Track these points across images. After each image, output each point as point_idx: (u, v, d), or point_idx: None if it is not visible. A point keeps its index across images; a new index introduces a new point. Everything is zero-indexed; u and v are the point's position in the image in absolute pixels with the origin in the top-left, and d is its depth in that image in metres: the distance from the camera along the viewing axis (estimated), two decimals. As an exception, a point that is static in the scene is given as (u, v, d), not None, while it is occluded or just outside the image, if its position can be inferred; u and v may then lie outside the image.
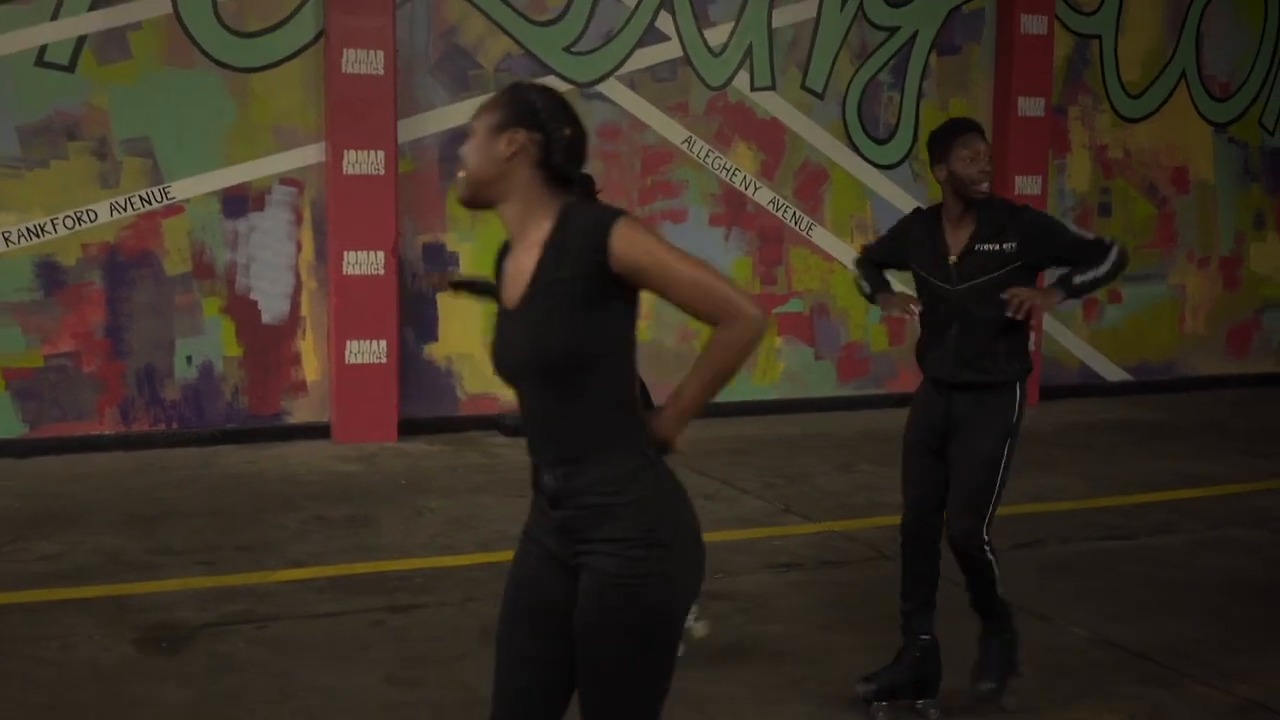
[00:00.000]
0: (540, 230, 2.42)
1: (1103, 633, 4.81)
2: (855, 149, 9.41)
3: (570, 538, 2.39)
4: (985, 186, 3.83)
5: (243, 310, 7.88)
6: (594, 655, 2.37)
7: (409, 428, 8.10)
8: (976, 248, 3.86)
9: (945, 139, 3.89)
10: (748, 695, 4.15)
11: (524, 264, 2.41)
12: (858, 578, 5.46)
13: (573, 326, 2.34)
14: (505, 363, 2.45)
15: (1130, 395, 10.28)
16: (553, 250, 2.37)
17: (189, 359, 7.77)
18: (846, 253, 9.42)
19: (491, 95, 2.55)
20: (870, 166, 9.47)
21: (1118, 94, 10.31)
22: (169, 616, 4.76)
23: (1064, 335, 10.26)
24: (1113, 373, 10.43)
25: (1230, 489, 7.22)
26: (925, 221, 4.02)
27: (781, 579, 5.40)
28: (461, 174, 2.49)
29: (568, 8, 8.50)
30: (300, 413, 8.02)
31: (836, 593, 5.24)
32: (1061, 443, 8.46)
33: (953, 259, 3.89)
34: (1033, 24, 9.62)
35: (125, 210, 7.59)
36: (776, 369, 9.28)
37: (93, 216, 7.52)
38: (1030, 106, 9.68)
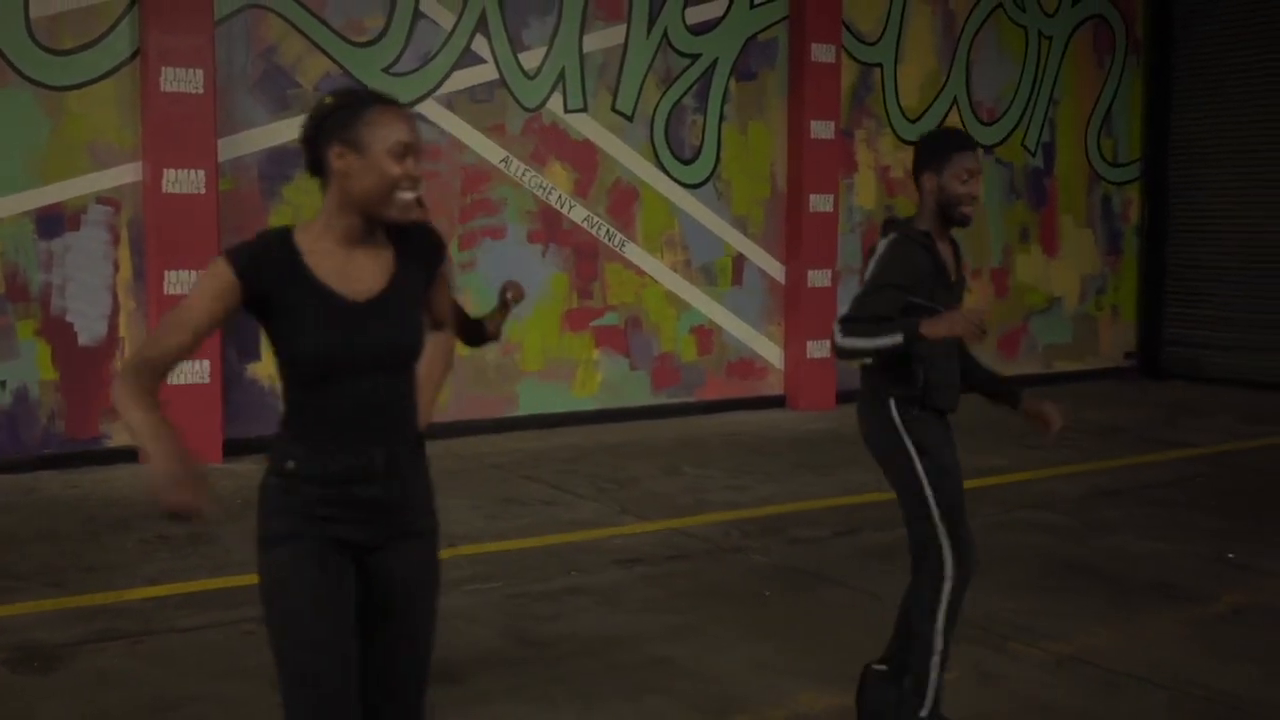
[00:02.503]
0: (380, 234, 2.58)
1: (926, 605, 5.30)
2: (663, 168, 9.86)
3: (393, 514, 2.58)
4: (971, 211, 3.59)
5: (59, 332, 7.70)
6: (421, 614, 2.66)
7: (234, 448, 8.06)
8: (960, 268, 3.75)
9: (944, 149, 3.61)
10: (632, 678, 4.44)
11: (368, 264, 2.55)
12: (701, 568, 5.83)
13: (420, 321, 2.63)
14: (365, 350, 2.50)
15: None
16: (404, 255, 2.60)
17: (3, 384, 7.54)
18: (657, 268, 9.89)
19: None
20: (677, 185, 9.94)
21: (898, 118, 11.12)
22: (29, 638, 4.72)
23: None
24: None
25: (1015, 477, 7.95)
26: (923, 247, 3.62)
27: (632, 573, 5.72)
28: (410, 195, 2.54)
29: (386, 29, 8.65)
30: (120, 436, 7.87)
31: (686, 583, 5.59)
32: (860, 442, 9.10)
33: (953, 280, 3.71)
34: (822, 52, 10.30)
35: (-70, 230, 7.33)
36: (595, 380, 9.63)
37: (-105, 237, 7.24)
38: (822, 130, 10.35)
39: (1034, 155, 12.09)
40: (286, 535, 2.53)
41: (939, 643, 3.68)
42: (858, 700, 3.86)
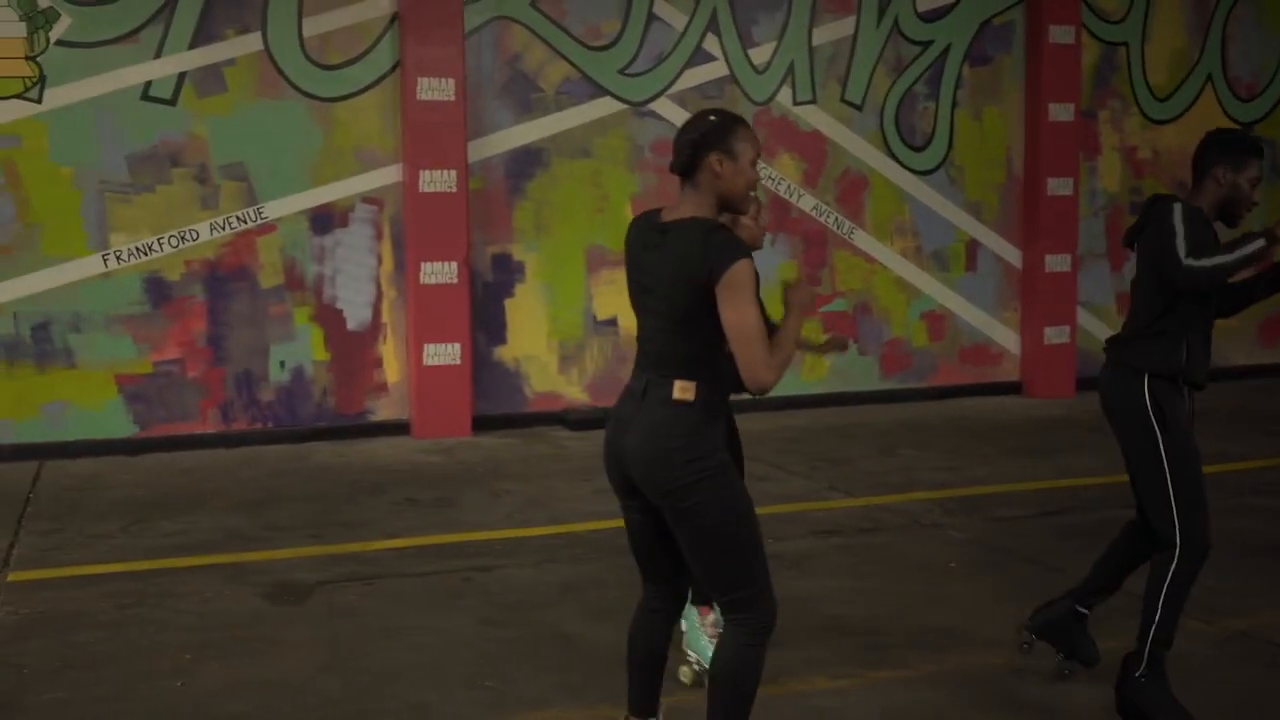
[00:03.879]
0: None
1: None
2: (893, 156, 9.99)
3: None
4: (1247, 214, 3.87)
5: (330, 318, 8.61)
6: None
7: (482, 424, 8.78)
8: None
9: (1244, 151, 3.86)
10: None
11: None
12: (894, 541, 6.04)
13: None
14: None
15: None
16: None
17: (282, 364, 8.51)
18: (886, 254, 10.03)
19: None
20: (908, 173, 10.05)
21: (1145, 97, 10.81)
22: (288, 577, 5.45)
23: (1100, 329, 10.73)
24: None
25: (1250, 464, 7.72)
26: (1209, 224, 3.84)
27: (826, 543, 6.00)
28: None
29: (621, 33, 9.18)
30: (383, 411, 8.73)
31: (876, 553, 5.82)
32: (1092, 427, 8.94)
33: None
34: (1060, 34, 10.16)
35: (224, 229, 8.35)
36: (823, 365, 9.87)
37: (194, 236, 8.29)
38: (1060, 112, 10.21)
39: (1300, 132, 11.46)
40: (728, 464, 3.12)
41: (1159, 615, 3.82)
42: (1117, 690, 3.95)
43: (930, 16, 10.01)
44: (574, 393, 9.22)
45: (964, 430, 8.92)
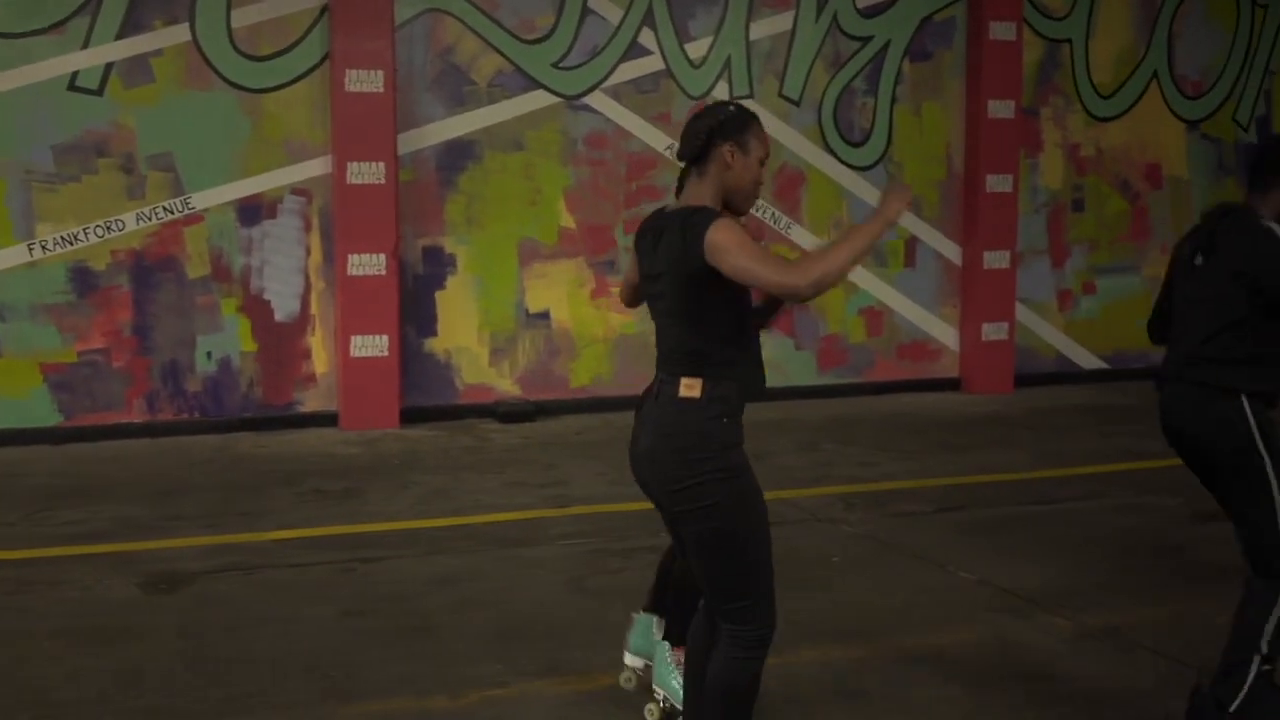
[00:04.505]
0: None
1: (988, 576, 5.38)
2: (831, 152, 10.00)
3: None
4: None
5: (257, 309, 8.63)
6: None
7: (412, 415, 8.81)
8: None
9: None
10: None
11: None
12: (785, 535, 6.04)
13: None
14: None
15: (1105, 382, 10.73)
16: None
17: (209, 354, 8.53)
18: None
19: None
20: (846, 168, 10.06)
21: (1089, 94, 10.81)
22: (171, 567, 5.48)
23: (1040, 326, 10.77)
24: (1088, 361, 10.91)
25: (1165, 463, 7.72)
26: None
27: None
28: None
29: (555, 26, 9.19)
30: (311, 402, 8.75)
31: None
32: (1024, 424, 9.03)
33: None
34: (1001, 30, 10.16)
35: (150, 220, 8.37)
36: (759, 359, 9.87)
37: (121, 226, 8.31)
38: (1000, 109, 10.21)
39: (1246, 130, 11.47)
40: (748, 465, 3.06)
41: (1264, 646, 3.59)
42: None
43: (870, 12, 10.02)
44: (505, 385, 9.25)
45: (895, 426, 8.93)
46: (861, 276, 10.15)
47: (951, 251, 10.41)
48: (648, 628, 3.98)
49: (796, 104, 9.88)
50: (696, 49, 9.57)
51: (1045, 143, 10.71)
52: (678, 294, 3.00)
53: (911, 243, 10.29)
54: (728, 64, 9.66)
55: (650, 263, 3.11)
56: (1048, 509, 6.65)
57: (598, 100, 9.32)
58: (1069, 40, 10.71)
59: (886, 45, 10.10)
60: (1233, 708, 3.59)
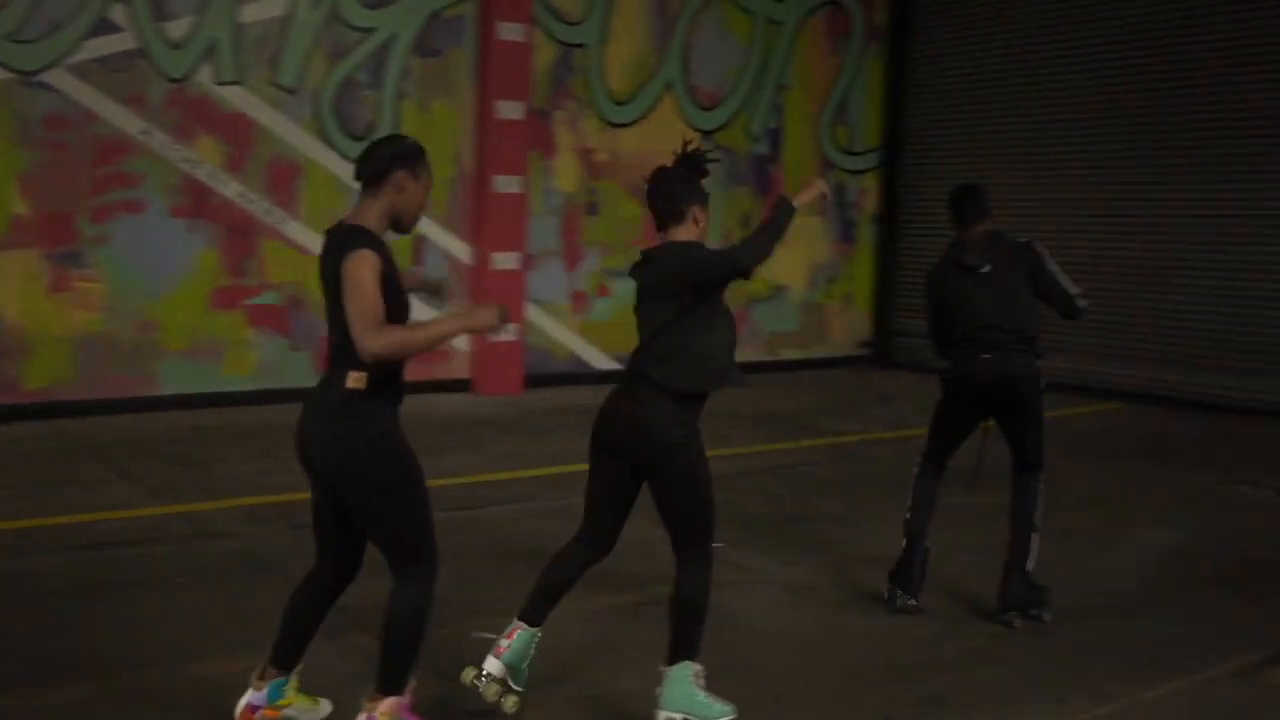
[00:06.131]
0: None
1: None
2: (331, 145, 9.66)
3: None
4: None
5: None
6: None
7: None
8: None
9: None
10: None
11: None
12: (160, 553, 5.65)
13: None
14: None
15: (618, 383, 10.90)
16: None
17: None
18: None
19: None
20: (348, 163, 9.70)
21: (604, 100, 10.99)
22: None
23: (553, 327, 10.85)
24: (603, 361, 11.09)
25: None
26: None
27: (77, 558, 5.54)
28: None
29: (7, -5, 8.37)
30: None
31: (110, 569, 5.40)
32: (503, 427, 9.00)
33: None
34: (510, 31, 10.14)
35: None
36: (250, 360, 9.42)
37: None
38: (509, 110, 10.19)
39: (758, 141, 12.02)
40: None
41: (1038, 522, 5.00)
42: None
43: (374, 3, 9.74)
44: None
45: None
46: (365, 275, 9.85)
47: (461, 252, 10.30)
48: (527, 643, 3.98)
49: (292, 93, 9.47)
50: (177, 28, 8.98)
51: (559, 146, 10.79)
52: (336, 299, 3.38)
53: (420, 242, 10.10)
54: (213, 46, 9.12)
55: (321, 270, 3.49)
56: (468, 515, 6.54)
57: (58, 78, 8.56)
58: (583, 45, 10.84)
59: (392, 39, 9.86)
60: (1029, 566, 4.92)
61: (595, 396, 10.59)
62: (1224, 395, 10.36)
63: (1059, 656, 4.58)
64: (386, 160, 3.44)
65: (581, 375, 10.89)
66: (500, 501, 6.86)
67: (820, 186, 4.22)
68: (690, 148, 3.99)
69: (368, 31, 9.76)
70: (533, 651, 3.96)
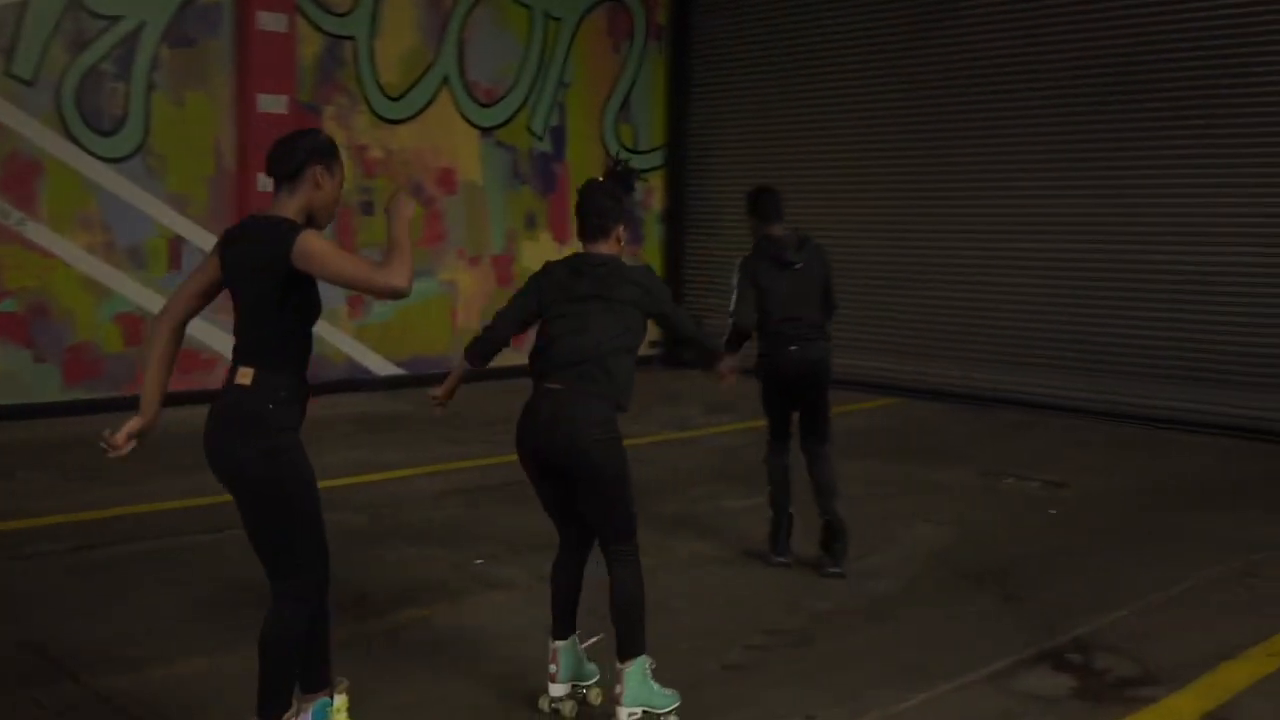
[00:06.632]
0: None
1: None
2: (75, 140, 8.99)
3: None
4: None
5: None
6: None
7: None
8: None
9: None
10: None
11: None
12: None
13: None
14: None
15: (404, 388, 10.51)
16: None
17: None
18: (69, 249, 9.03)
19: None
20: (95, 160, 9.08)
21: (376, 95, 10.57)
22: None
23: (329, 332, 10.38)
24: (382, 367, 10.69)
25: (404, 472, 7.55)
26: None
27: None
28: None
29: None
30: None
31: None
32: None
33: None
34: (271, 21, 9.64)
35: None
36: (-17, 373, 8.69)
37: None
38: (271, 103, 9.68)
39: (541, 139, 11.79)
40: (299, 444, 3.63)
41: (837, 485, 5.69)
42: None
43: (120, -10, 9.11)
44: None
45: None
46: (117, 279, 9.23)
47: (224, 253, 9.73)
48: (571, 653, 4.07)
49: (30, 84, 8.76)
50: (-109, 12, 8.19)
51: (330, 142, 10.31)
52: (259, 293, 3.37)
53: (177, 243, 9.51)
54: (-66, 33, 8.36)
55: (234, 266, 3.46)
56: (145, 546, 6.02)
57: None
58: (352, 37, 10.40)
59: (141, 27, 9.23)
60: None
61: (373, 404, 10.25)
62: (993, 389, 10.63)
63: (822, 665, 4.49)
64: (302, 156, 3.47)
65: (358, 382, 10.46)
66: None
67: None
68: (620, 166, 4.14)
69: (113, 19, 9.11)
70: (583, 651, 4.10)
